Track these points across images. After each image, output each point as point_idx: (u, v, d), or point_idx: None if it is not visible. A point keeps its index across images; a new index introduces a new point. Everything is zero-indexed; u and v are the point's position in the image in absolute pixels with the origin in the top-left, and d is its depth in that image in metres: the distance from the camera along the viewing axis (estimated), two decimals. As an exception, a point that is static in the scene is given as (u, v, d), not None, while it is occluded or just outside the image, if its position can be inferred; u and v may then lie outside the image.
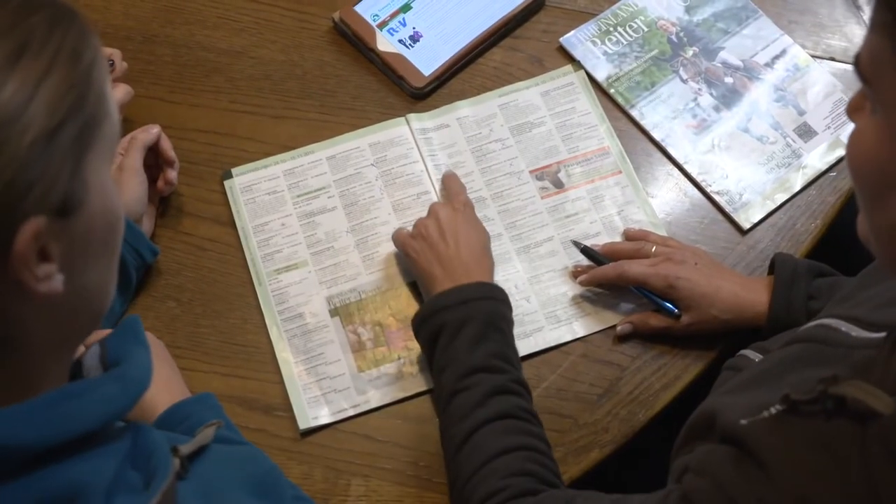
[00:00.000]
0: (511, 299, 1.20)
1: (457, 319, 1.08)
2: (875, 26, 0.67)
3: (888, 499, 0.67)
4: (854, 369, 0.75)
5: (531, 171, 1.31)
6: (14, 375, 0.63)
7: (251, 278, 1.23)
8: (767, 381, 0.87)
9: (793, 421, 0.75)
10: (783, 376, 0.85)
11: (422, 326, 1.11)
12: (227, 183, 1.28)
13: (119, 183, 1.16)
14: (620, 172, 1.31)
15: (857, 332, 0.83)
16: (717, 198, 1.29)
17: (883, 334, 0.78)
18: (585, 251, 1.22)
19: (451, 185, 1.26)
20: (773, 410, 0.77)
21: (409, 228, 1.21)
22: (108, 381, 0.65)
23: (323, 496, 1.10)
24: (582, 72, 1.38)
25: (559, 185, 1.30)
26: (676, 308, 1.16)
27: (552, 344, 1.20)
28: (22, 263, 0.57)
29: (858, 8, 0.71)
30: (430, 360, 1.10)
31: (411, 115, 1.33)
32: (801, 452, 0.73)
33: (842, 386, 0.72)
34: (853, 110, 0.73)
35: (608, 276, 1.20)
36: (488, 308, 1.09)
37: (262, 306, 1.21)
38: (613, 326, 1.20)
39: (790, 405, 0.75)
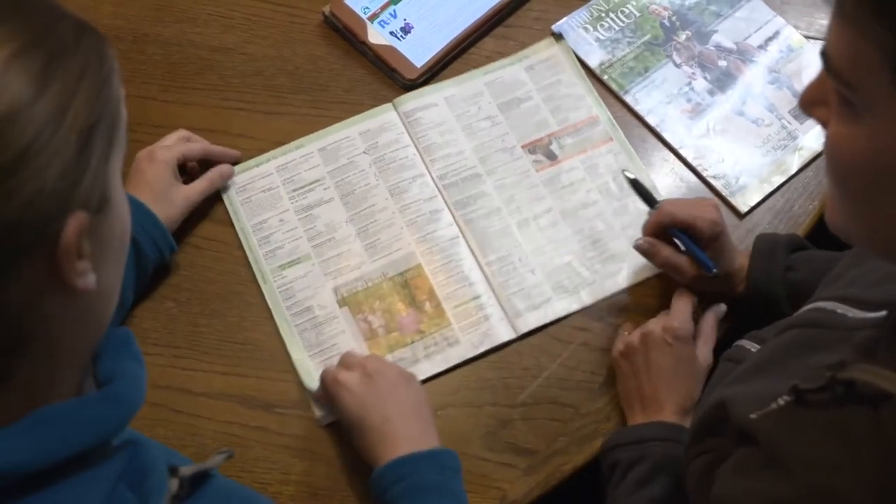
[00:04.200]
0: (516, 272, 1.21)
1: (629, 459, 1.06)
2: (850, 22, 0.63)
3: None
4: (858, 351, 0.74)
5: (523, 146, 1.31)
6: (31, 376, 0.62)
7: (251, 276, 1.22)
8: (771, 369, 0.86)
9: (803, 412, 0.74)
10: (786, 363, 0.84)
11: (602, 459, 1.10)
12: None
13: (146, 171, 1.19)
14: (612, 140, 1.31)
15: (853, 312, 0.82)
16: (713, 182, 1.28)
17: (882, 313, 0.77)
18: (634, 184, 1.21)
19: (676, 309, 1.16)
20: (781, 402, 0.76)
21: (627, 334, 1.16)
22: (98, 401, 0.64)
23: (327, 492, 1.10)
24: (564, 42, 1.37)
25: (552, 157, 1.30)
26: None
27: (561, 315, 1.20)
28: (67, 257, 0.58)
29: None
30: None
31: (398, 99, 1.33)
32: (817, 444, 0.72)
33: (850, 371, 0.71)
34: (813, 104, 0.70)
35: (655, 221, 1.17)
36: (663, 450, 1.05)
37: (269, 304, 1.20)
38: (621, 293, 1.22)
39: (798, 395, 0.74)
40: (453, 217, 1.26)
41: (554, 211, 1.27)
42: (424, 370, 1.17)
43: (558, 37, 1.38)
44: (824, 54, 0.66)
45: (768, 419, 0.77)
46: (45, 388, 0.63)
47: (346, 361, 1.10)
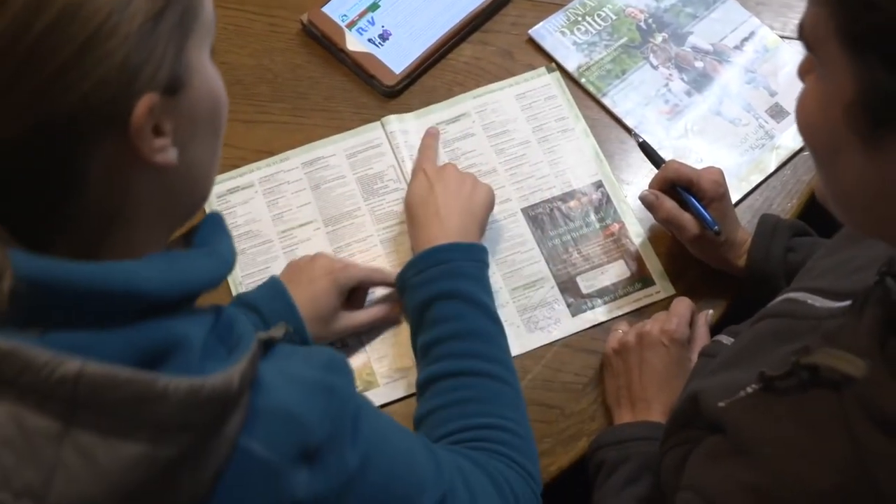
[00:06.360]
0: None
1: (614, 459, 1.07)
2: None
3: (874, 461, 0.67)
4: (824, 338, 0.76)
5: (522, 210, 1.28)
6: (119, 243, 0.68)
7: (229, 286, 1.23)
8: (742, 360, 0.87)
9: (771, 398, 0.75)
10: (757, 353, 0.86)
11: (589, 459, 1.11)
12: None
13: (317, 282, 1.14)
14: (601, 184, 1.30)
15: (821, 302, 0.84)
16: (692, 182, 1.29)
17: (849, 302, 0.79)
18: (643, 146, 1.25)
19: (675, 312, 1.16)
20: (749, 390, 0.77)
21: (622, 332, 1.16)
22: (202, 254, 0.70)
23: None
24: (556, 72, 1.37)
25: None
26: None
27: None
28: (139, 135, 0.64)
29: None
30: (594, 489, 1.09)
31: (386, 118, 1.33)
32: (783, 429, 0.73)
33: (813, 355, 0.72)
34: (804, 72, 0.74)
35: (662, 177, 1.19)
36: (648, 448, 1.05)
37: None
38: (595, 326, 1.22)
39: (766, 382, 0.75)
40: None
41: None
42: (389, 393, 1.17)
43: (551, 68, 1.38)
44: (800, 25, 0.70)
45: (736, 407, 0.78)
46: (129, 255, 0.68)
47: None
